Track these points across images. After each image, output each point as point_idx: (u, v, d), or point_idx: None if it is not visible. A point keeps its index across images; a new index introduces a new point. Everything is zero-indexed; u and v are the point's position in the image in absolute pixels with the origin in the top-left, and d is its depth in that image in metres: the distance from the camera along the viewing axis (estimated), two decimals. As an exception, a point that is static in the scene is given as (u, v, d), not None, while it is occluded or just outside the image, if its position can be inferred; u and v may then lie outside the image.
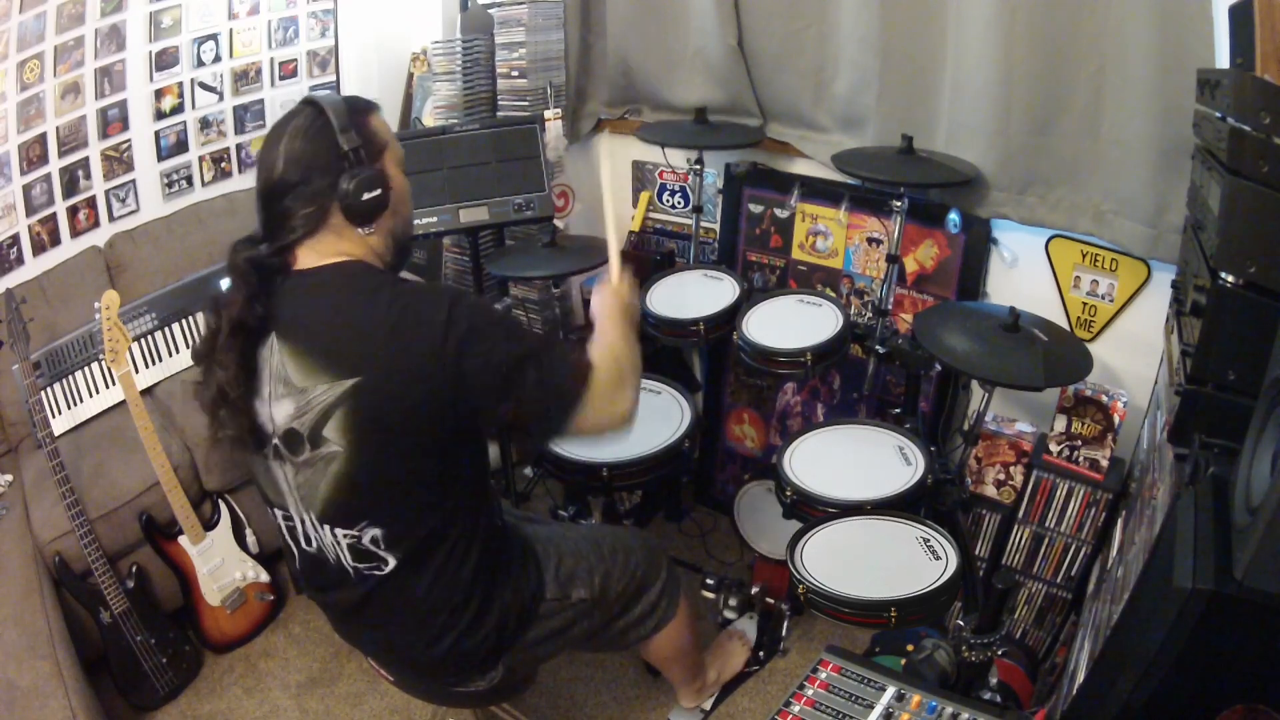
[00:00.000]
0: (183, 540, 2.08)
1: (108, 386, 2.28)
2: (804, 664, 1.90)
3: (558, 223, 2.51)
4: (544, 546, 1.52)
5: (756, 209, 2.45)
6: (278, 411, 1.21)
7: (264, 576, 2.26)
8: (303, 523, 1.30)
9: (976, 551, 2.06)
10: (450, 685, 1.48)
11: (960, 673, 1.55)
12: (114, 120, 2.42)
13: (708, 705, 2.01)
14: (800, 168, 2.37)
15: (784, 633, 2.11)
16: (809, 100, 2.27)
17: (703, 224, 2.51)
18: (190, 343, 2.43)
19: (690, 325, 2.05)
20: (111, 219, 2.49)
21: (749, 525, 2.34)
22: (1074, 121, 1.83)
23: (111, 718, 1.91)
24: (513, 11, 2.44)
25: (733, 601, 2.15)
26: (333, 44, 2.86)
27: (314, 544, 1.32)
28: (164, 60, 2.48)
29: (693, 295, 2.17)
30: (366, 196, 1.22)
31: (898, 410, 2.07)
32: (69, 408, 2.24)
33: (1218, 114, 1.22)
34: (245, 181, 2.76)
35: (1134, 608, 1.09)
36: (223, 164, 2.71)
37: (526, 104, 2.52)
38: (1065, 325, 2.00)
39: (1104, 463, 1.86)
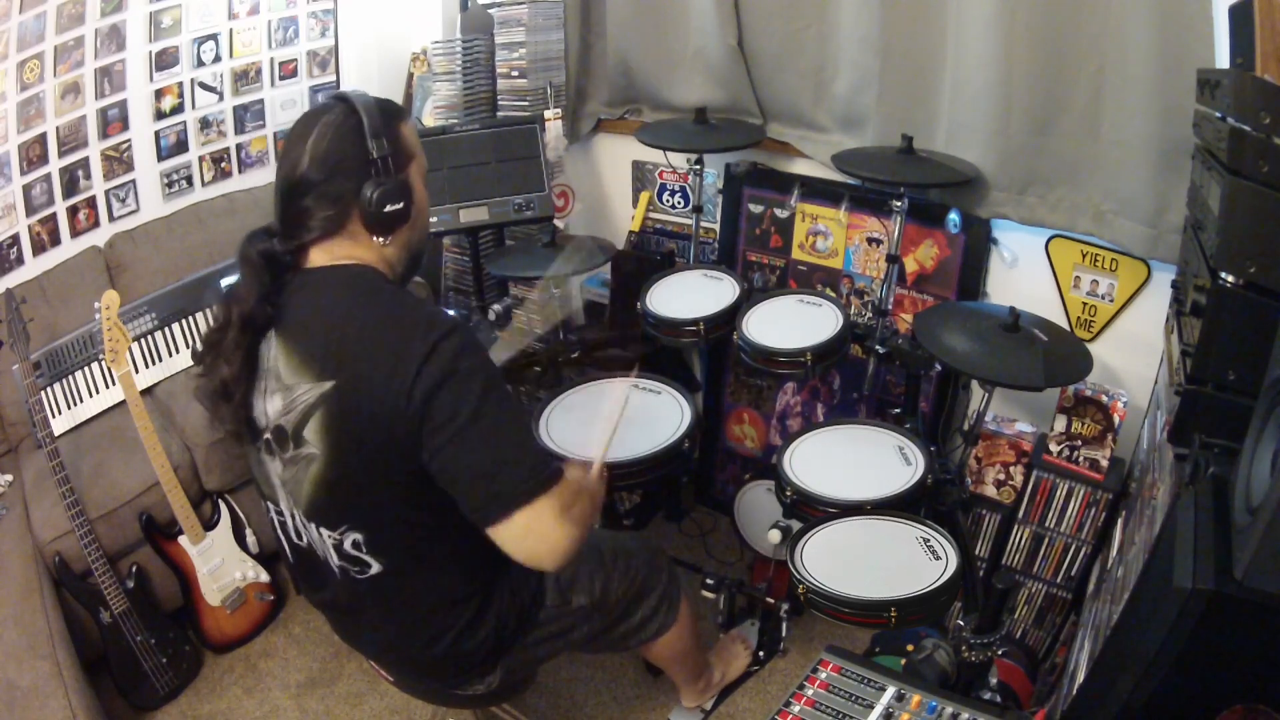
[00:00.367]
0: (183, 540, 2.09)
1: (108, 386, 2.28)
2: (804, 664, 1.91)
3: (558, 222, 2.52)
4: None
5: (756, 209, 2.45)
6: (270, 406, 1.21)
7: (264, 576, 2.26)
8: (293, 518, 1.30)
9: (976, 551, 2.06)
10: (450, 688, 1.47)
11: (960, 673, 1.56)
12: (114, 120, 2.42)
13: (708, 705, 2.01)
14: (800, 168, 2.37)
15: (784, 633, 2.11)
16: (809, 100, 2.27)
17: (703, 224, 2.51)
18: (190, 343, 2.43)
19: (690, 325, 2.05)
20: (111, 219, 2.49)
21: (749, 525, 2.34)
22: (1074, 121, 1.83)
23: (111, 718, 1.91)
24: (513, 11, 2.44)
25: (733, 608, 2.15)
26: (333, 44, 2.86)
27: (304, 540, 1.31)
28: (164, 60, 2.48)
29: (693, 295, 2.17)
30: (389, 209, 1.19)
31: (898, 410, 2.06)
32: (69, 408, 2.24)
33: (1218, 114, 1.22)
34: (245, 181, 2.76)
35: (1134, 608, 1.09)
36: (223, 164, 2.71)
37: (526, 104, 2.52)
38: (1065, 325, 2.00)
39: (1104, 463, 1.86)
